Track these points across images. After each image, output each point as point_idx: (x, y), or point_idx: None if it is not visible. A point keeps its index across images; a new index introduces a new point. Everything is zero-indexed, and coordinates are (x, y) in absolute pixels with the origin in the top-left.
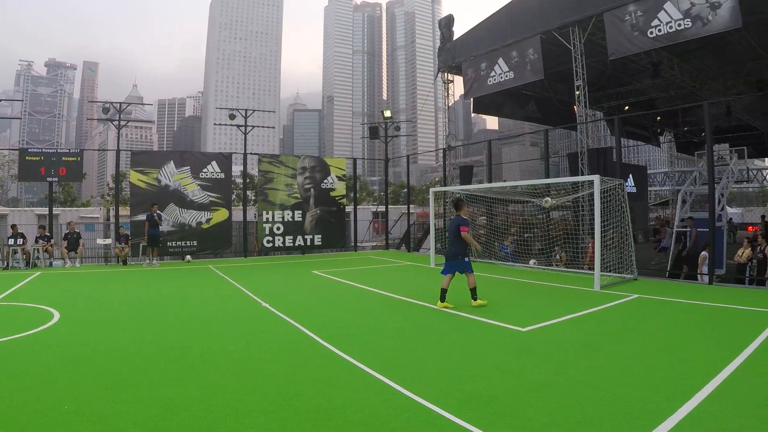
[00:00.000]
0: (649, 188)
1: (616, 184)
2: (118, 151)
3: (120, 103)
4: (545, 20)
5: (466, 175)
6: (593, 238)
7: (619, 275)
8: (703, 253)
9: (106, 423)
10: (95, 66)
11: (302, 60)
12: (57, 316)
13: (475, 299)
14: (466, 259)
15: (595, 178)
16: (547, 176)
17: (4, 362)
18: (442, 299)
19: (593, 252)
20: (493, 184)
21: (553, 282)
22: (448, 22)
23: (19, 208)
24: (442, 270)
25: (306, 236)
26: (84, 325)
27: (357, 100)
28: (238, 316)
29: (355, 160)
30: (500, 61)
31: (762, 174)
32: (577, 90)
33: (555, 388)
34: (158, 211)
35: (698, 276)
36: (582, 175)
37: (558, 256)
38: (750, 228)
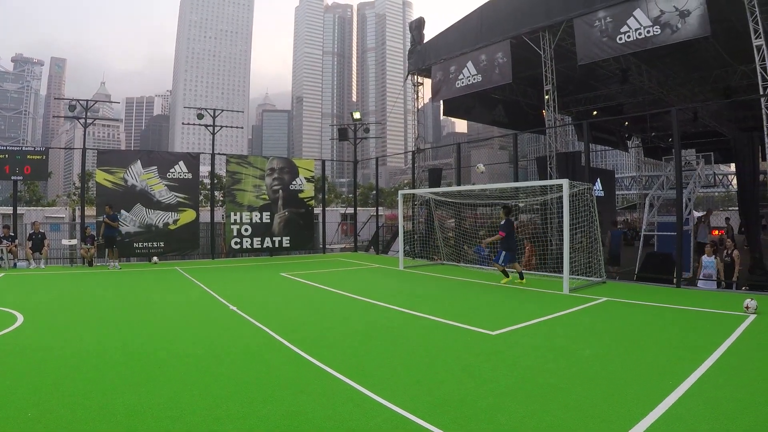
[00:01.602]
0: (617, 192)
1: (585, 187)
2: (84, 150)
3: (87, 100)
4: (516, 25)
5: (435, 178)
6: (531, 241)
7: (588, 278)
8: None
9: (69, 429)
10: (63, 62)
11: (272, 60)
12: (21, 319)
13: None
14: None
15: (564, 182)
16: (516, 179)
17: None
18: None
19: (531, 254)
20: (462, 187)
21: (523, 285)
22: (418, 25)
23: None
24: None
25: (274, 238)
26: (48, 329)
27: (326, 101)
28: (205, 320)
29: (323, 161)
30: (469, 64)
31: (727, 179)
32: (547, 95)
33: (526, 392)
34: (112, 212)
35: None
36: (551, 178)
37: (533, 259)
38: (715, 232)
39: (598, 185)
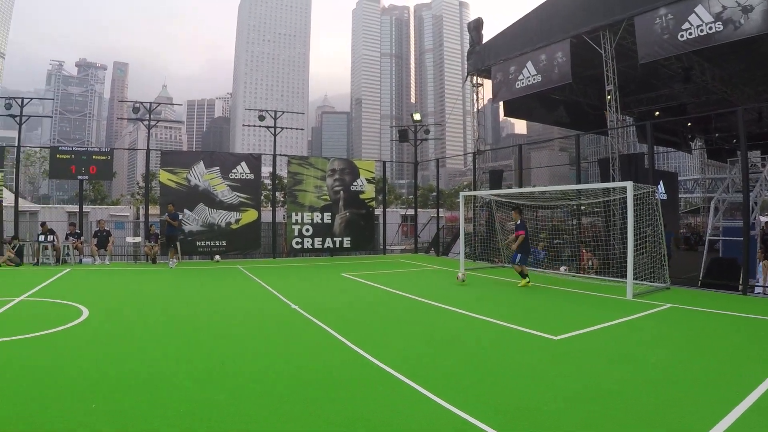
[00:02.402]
0: (680, 195)
1: (649, 190)
2: (148, 151)
3: (150, 103)
4: (575, 24)
5: (496, 179)
6: (587, 246)
7: (652, 284)
8: None
9: (133, 423)
10: (125, 66)
11: (330, 62)
12: (86, 313)
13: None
14: (517, 255)
15: (629, 184)
16: (579, 181)
17: (33, 358)
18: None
19: (589, 258)
20: (524, 189)
21: (585, 290)
22: (477, 26)
23: (50, 206)
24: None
25: (335, 238)
26: (113, 323)
27: (385, 103)
28: (267, 318)
29: (384, 162)
30: (528, 64)
31: None
32: (608, 95)
33: (590, 398)
34: (175, 211)
35: None
36: (613, 180)
37: (590, 263)
38: None
39: (661, 188)
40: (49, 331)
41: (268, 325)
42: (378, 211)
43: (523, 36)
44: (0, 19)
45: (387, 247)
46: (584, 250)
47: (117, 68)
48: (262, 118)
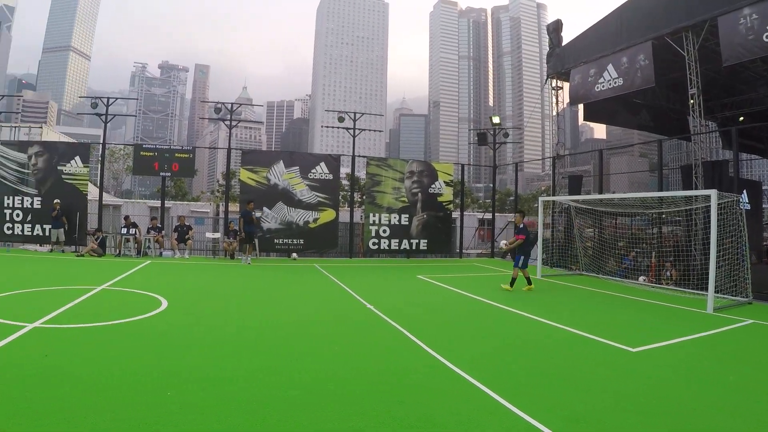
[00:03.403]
0: (764, 205)
1: (733, 199)
2: (229, 150)
3: (231, 103)
4: (656, 25)
5: (576, 184)
6: (659, 256)
7: (733, 298)
8: None
9: (206, 415)
10: (206, 68)
11: (408, 65)
12: (165, 303)
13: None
14: (520, 258)
15: (713, 193)
16: (660, 189)
17: (114, 345)
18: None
19: (656, 269)
20: (604, 196)
21: (663, 301)
22: (556, 27)
23: (133, 200)
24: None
25: (412, 240)
26: (190, 315)
27: (463, 105)
28: (342, 317)
29: (462, 165)
30: (609, 67)
31: None
32: (691, 99)
33: (664, 413)
34: (253, 209)
35: None
36: (695, 188)
37: (669, 273)
38: None
39: (745, 197)
40: (129, 320)
41: (344, 324)
42: (455, 214)
43: (602, 38)
44: (85, 23)
45: (463, 251)
46: (654, 261)
47: (198, 70)
48: (341, 119)
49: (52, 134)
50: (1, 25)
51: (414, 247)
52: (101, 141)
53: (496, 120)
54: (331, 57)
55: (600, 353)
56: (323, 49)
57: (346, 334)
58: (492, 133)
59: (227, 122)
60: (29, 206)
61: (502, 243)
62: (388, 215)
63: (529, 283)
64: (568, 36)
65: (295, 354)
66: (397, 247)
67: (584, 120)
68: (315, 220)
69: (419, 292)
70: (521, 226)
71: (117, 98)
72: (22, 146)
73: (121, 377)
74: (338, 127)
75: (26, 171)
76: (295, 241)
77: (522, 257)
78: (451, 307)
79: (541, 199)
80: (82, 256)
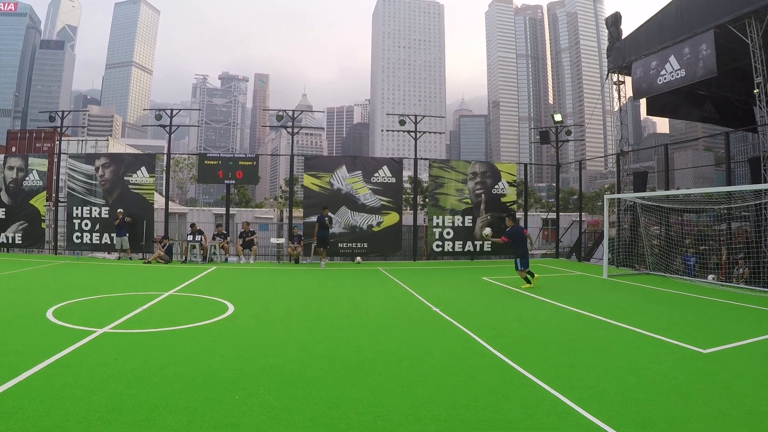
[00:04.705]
0: None
1: None
2: (292, 156)
3: (293, 110)
4: (717, 13)
5: (640, 181)
6: (729, 250)
7: None
8: None
9: (274, 416)
10: (266, 77)
11: (466, 65)
12: (231, 308)
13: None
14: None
15: None
16: (728, 183)
17: (182, 349)
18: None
19: (735, 264)
20: (669, 192)
21: (735, 300)
22: (615, 20)
23: (198, 208)
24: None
25: (476, 242)
26: (256, 320)
27: (523, 104)
28: (409, 320)
29: (525, 165)
30: (671, 58)
31: None
32: (757, 88)
33: (739, 419)
34: (329, 214)
35: None
36: (764, 182)
37: (741, 271)
38: None
39: None
40: (196, 324)
41: (410, 327)
42: (519, 215)
43: (663, 29)
44: (145, 39)
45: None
46: (724, 258)
47: (258, 79)
48: (402, 122)
49: (118, 146)
50: (64, 44)
51: (478, 249)
52: (165, 151)
53: (557, 118)
54: (388, 61)
55: (670, 355)
56: (380, 53)
57: (411, 337)
58: (554, 131)
59: (289, 129)
60: (97, 216)
61: (486, 230)
62: (451, 217)
63: (528, 282)
64: (627, 28)
65: (360, 358)
66: (461, 249)
67: (647, 114)
68: (378, 223)
69: (484, 294)
70: (508, 229)
71: (180, 109)
72: (89, 159)
73: (190, 380)
74: (399, 131)
75: (94, 182)
76: (359, 245)
77: (518, 260)
78: (517, 308)
79: (606, 196)
80: (149, 263)
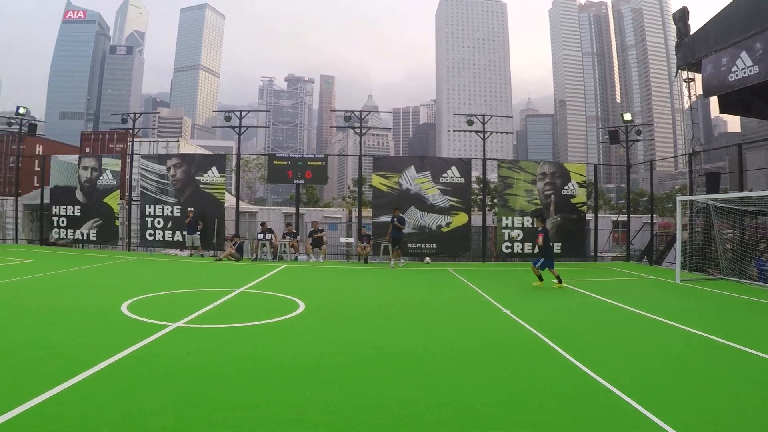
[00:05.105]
0: None
1: None
2: (360, 156)
3: (361, 111)
4: None
5: (713, 182)
6: None
7: None
8: None
9: (345, 414)
10: (331, 79)
11: (531, 64)
12: (302, 306)
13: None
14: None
15: None
16: None
17: (253, 345)
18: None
19: None
20: (744, 194)
21: None
22: (682, 15)
23: (267, 207)
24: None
25: None
26: (326, 318)
27: (590, 103)
28: (478, 321)
29: (595, 165)
30: (743, 54)
31: None
32: None
33: None
34: (400, 215)
35: None
36: None
37: None
38: None
39: None
40: (268, 321)
41: (479, 328)
42: (588, 216)
43: (733, 23)
44: (212, 43)
45: (597, 255)
46: None
47: (323, 81)
48: (470, 122)
49: (189, 147)
50: (133, 50)
51: None
52: (235, 152)
53: (627, 117)
54: (453, 61)
55: (751, 365)
56: (445, 53)
57: (482, 339)
58: (623, 130)
59: (357, 130)
60: (169, 214)
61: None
62: (521, 218)
63: (540, 279)
64: (696, 23)
65: (430, 357)
66: (530, 251)
67: (720, 113)
68: (448, 224)
69: (555, 296)
70: (540, 229)
71: (249, 111)
72: (161, 159)
73: (262, 376)
74: (466, 131)
75: (166, 182)
76: (428, 245)
77: (542, 260)
78: (589, 312)
79: (678, 198)
80: (221, 260)
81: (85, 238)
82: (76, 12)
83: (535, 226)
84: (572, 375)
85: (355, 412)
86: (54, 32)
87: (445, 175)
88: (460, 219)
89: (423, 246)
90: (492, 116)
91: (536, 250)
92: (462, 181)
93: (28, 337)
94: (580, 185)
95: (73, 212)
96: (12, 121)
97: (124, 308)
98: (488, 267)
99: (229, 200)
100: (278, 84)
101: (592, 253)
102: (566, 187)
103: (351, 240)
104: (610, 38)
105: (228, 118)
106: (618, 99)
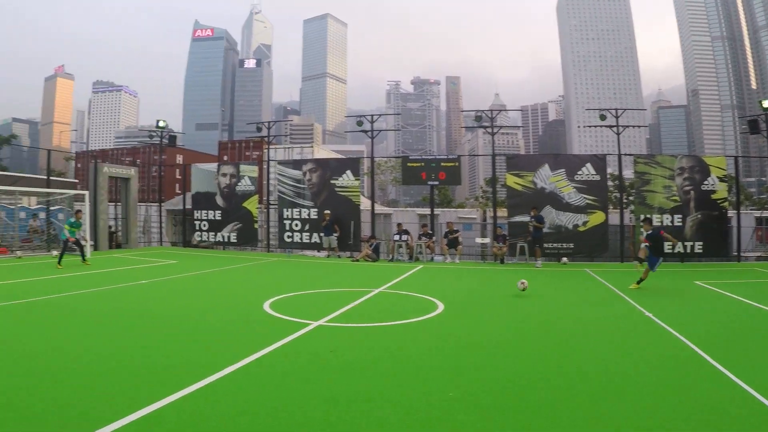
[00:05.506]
0: None
1: None
2: (493, 156)
3: (491, 110)
4: None
5: None
6: None
7: None
8: None
9: (489, 416)
10: (457, 79)
11: (659, 53)
12: (441, 306)
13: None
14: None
15: None
16: None
17: (395, 343)
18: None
19: None
20: None
21: None
22: None
23: (401, 209)
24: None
25: (686, 242)
26: (466, 318)
27: (724, 91)
28: (620, 324)
29: (735, 158)
30: None
31: None
32: None
33: None
34: (538, 214)
35: None
36: None
37: None
38: None
39: None
40: (409, 321)
41: (622, 332)
42: (730, 213)
43: None
44: (337, 51)
45: (741, 254)
46: None
47: (449, 82)
48: (603, 117)
49: (322, 152)
50: (262, 62)
51: (688, 250)
52: (367, 155)
53: (766, 104)
54: (578, 54)
55: None
56: (569, 47)
57: (625, 343)
58: (763, 119)
59: (488, 129)
60: (306, 217)
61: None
62: (659, 216)
63: (638, 283)
64: None
65: (571, 361)
66: (670, 251)
67: None
68: (584, 223)
69: (699, 299)
70: (650, 232)
71: (380, 114)
72: (296, 164)
73: (404, 374)
74: (598, 126)
75: (302, 186)
76: (564, 245)
77: (659, 260)
78: (733, 316)
79: None
80: (357, 261)
81: (226, 240)
82: (204, 30)
83: (643, 229)
84: (720, 384)
85: (499, 414)
86: (185, 50)
87: (579, 172)
88: (597, 218)
89: (560, 246)
90: (624, 110)
91: (677, 249)
92: (597, 178)
93: (177, 332)
94: (721, 179)
95: (214, 216)
96: (152, 133)
97: (266, 306)
98: (627, 267)
99: (364, 202)
100: (404, 87)
101: (735, 253)
102: (706, 182)
103: (486, 240)
104: (739, 20)
105: (360, 123)
106: (753, 85)
